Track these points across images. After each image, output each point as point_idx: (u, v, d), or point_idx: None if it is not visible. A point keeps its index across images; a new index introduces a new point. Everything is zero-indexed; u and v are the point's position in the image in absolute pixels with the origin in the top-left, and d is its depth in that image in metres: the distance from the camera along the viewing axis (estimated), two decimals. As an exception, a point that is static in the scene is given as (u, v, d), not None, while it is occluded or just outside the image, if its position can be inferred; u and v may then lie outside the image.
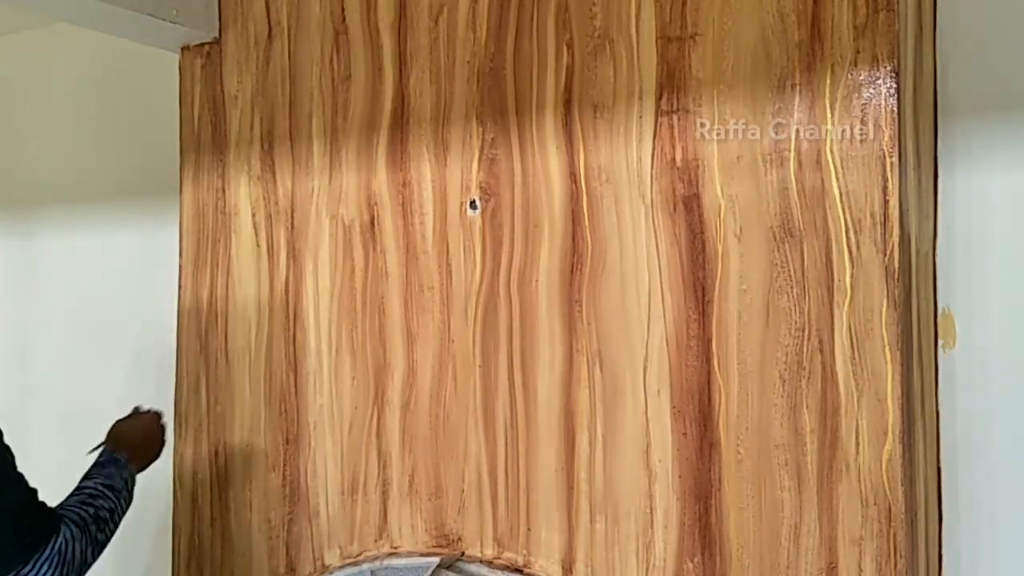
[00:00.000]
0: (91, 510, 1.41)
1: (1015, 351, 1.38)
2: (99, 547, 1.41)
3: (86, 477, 1.50)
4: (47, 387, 2.53)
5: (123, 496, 1.50)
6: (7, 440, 1.37)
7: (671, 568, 1.42)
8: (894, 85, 1.27)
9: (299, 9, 1.79)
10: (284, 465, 1.79)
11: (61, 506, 1.41)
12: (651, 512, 1.43)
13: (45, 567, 1.30)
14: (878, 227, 1.28)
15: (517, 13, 1.56)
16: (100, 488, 1.47)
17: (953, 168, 1.42)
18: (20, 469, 1.37)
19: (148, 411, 1.72)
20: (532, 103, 1.55)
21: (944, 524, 1.42)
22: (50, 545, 1.31)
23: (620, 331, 1.46)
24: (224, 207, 1.88)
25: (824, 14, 1.31)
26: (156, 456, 1.68)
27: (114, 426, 1.65)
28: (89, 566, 1.39)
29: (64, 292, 2.50)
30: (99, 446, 1.59)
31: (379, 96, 1.70)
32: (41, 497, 1.37)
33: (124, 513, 1.50)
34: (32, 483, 1.37)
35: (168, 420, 1.93)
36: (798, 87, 1.33)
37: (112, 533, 1.45)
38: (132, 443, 1.60)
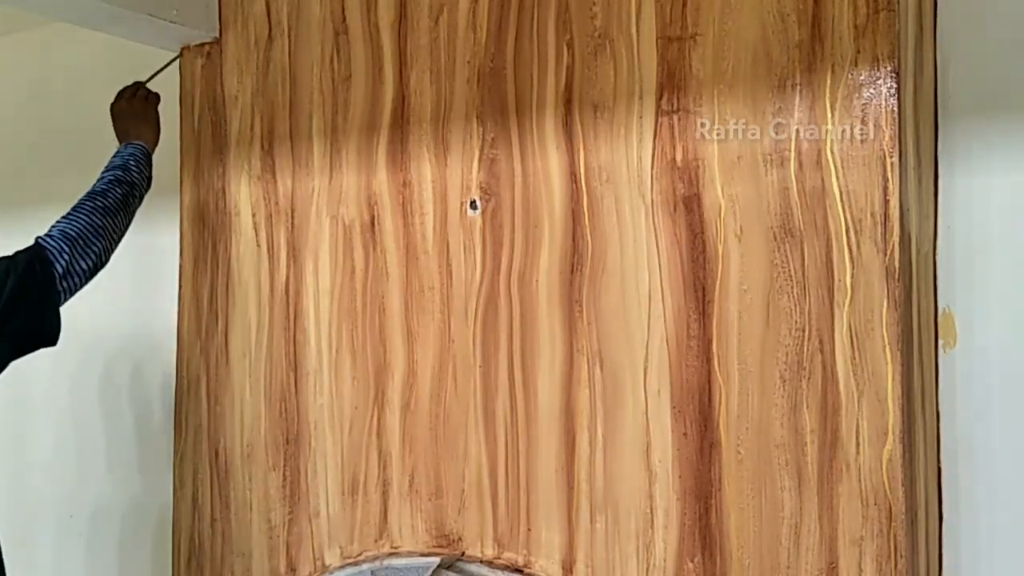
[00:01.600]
0: (86, 196, 1.59)
1: (1015, 351, 1.38)
2: (108, 206, 1.57)
3: None
4: (46, 387, 2.52)
5: (128, 165, 1.66)
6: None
7: (671, 568, 1.42)
8: (894, 85, 1.27)
9: (299, 9, 1.79)
10: (284, 465, 1.79)
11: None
12: (651, 512, 1.43)
13: (54, 243, 1.47)
14: (878, 227, 1.28)
15: (517, 13, 1.56)
16: (98, 183, 1.64)
17: (953, 168, 1.42)
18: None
19: (134, 91, 1.83)
20: (532, 103, 1.55)
21: (944, 524, 1.42)
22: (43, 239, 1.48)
23: (620, 331, 1.46)
24: (224, 207, 1.88)
25: (824, 14, 1.32)
26: (156, 128, 1.81)
27: (112, 118, 1.80)
28: (110, 223, 1.56)
29: (64, 292, 2.49)
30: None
31: (379, 96, 1.70)
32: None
33: (139, 175, 1.66)
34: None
35: (168, 421, 1.94)
36: (798, 87, 1.33)
37: (127, 192, 1.62)
38: (127, 128, 1.76)
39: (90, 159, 2.44)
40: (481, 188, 1.59)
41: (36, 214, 2.55)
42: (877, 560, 1.27)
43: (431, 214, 1.64)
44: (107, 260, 1.58)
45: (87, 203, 1.59)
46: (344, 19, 1.74)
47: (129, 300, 2.34)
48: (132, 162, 1.68)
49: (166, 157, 2.03)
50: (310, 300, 1.76)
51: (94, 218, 1.56)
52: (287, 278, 1.79)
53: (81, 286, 1.54)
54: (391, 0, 1.69)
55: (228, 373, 1.86)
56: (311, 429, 1.76)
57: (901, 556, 1.26)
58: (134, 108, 1.80)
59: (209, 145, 1.90)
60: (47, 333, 1.50)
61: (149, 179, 1.71)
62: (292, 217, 1.79)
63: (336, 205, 1.74)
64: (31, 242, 1.49)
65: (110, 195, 1.61)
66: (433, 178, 1.64)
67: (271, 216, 1.81)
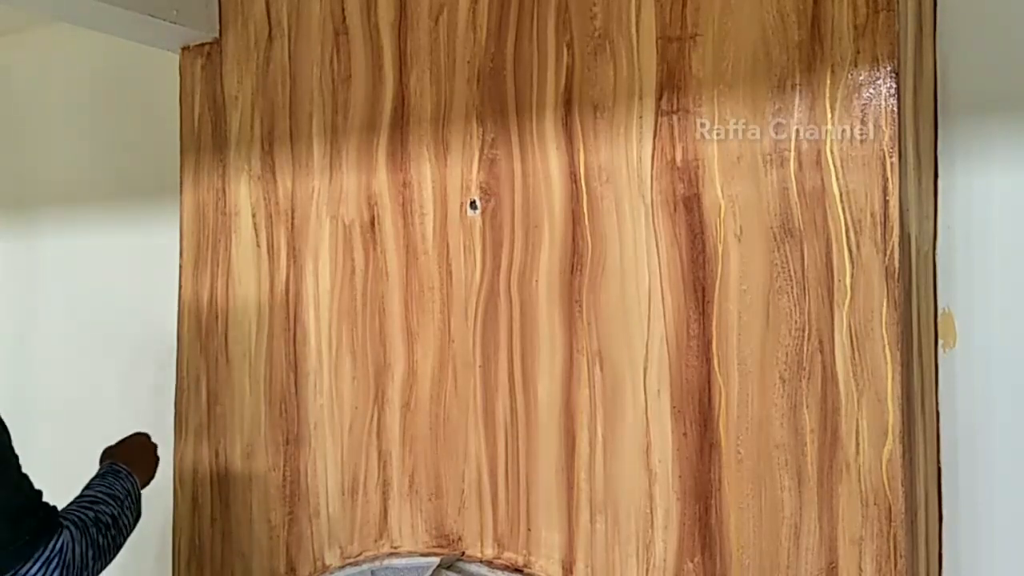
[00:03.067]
0: (91, 513, 1.40)
1: (1015, 351, 1.38)
2: (100, 551, 1.39)
3: (87, 487, 1.48)
4: (47, 387, 2.53)
5: (127, 505, 1.48)
6: (16, 441, 1.37)
7: (671, 568, 1.42)
8: (894, 85, 1.27)
9: (299, 9, 1.79)
10: (284, 465, 1.79)
11: (62, 510, 1.39)
12: (651, 512, 1.43)
13: (43, 568, 1.29)
14: (878, 227, 1.28)
15: (517, 13, 1.56)
16: (101, 495, 1.45)
17: (953, 168, 1.42)
18: (25, 470, 1.37)
19: (137, 433, 1.70)
20: (532, 103, 1.55)
21: (944, 524, 1.42)
22: (50, 546, 1.30)
23: (620, 331, 1.47)
24: (224, 207, 1.88)
25: (824, 14, 1.32)
26: (153, 469, 1.66)
27: (106, 449, 1.63)
28: (91, 570, 1.37)
29: (64, 292, 2.50)
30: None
31: (379, 96, 1.70)
32: (42, 487, 1.36)
33: (131, 524, 1.48)
34: (31, 475, 1.36)
35: (168, 420, 1.94)
36: (798, 87, 1.33)
37: (116, 541, 1.43)
38: (128, 456, 1.59)
39: (90, 160, 2.45)
40: (481, 188, 1.59)
41: (36, 215, 2.56)
42: (877, 560, 1.27)
43: (431, 214, 1.64)
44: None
45: (94, 526, 1.40)
46: (344, 19, 1.74)
47: (129, 300, 2.35)
48: (135, 496, 1.51)
49: (166, 157, 2.03)
50: (310, 300, 1.76)
51: (100, 539, 1.39)
52: (287, 278, 1.79)
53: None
54: (391, 0, 1.69)
55: (228, 373, 1.86)
56: (311, 429, 1.76)
57: (901, 556, 1.26)
58: (142, 444, 1.67)
59: (209, 145, 1.90)
60: None
61: (138, 517, 1.54)
62: (292, 217, 1.79)
63: (336, 205, 1.74)
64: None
65: (119, 523, 1.44)
66: (433, 178, 1.64)
67: (271, 216, 1.82)
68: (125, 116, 2.36)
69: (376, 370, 1.69)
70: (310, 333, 1.76)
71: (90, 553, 1.36)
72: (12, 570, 1.27)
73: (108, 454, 1.62)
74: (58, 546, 1.31)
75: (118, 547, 1.44)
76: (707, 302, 1.39)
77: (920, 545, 1.33)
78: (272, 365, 1.81)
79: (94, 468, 1.59)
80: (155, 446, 1.69)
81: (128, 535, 1.47)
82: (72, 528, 1.35)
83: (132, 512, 1.49)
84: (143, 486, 1.59)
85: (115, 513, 1.44)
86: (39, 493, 1.36)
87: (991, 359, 1.40)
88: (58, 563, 1.30)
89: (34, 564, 1.29)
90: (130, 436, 1.69)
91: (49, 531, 1.32)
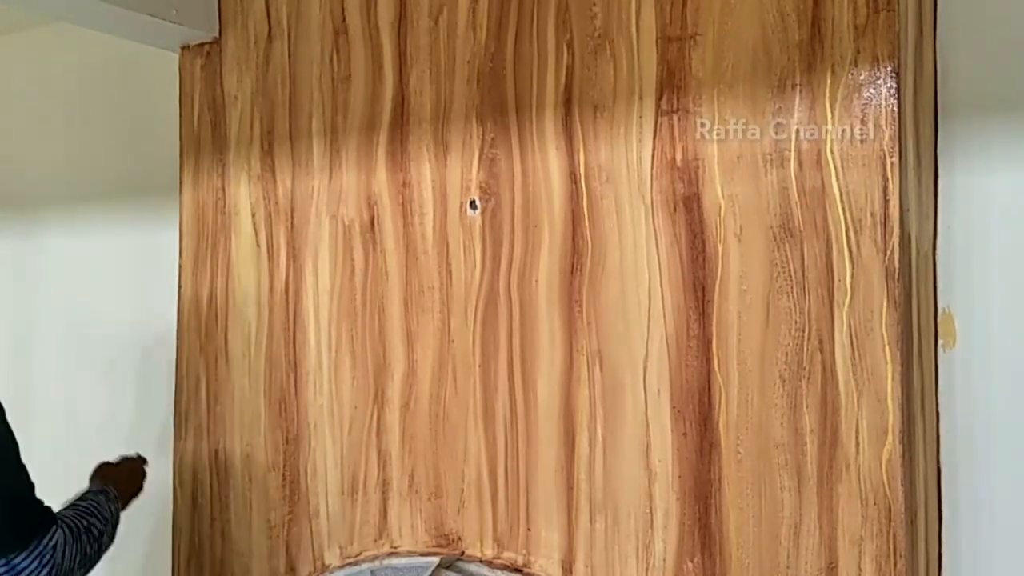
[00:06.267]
0: (84, 523, 1.40)
1: (1015, 351, 1.38)
2: (84, 560, 1.38)
3: (80, 498, 1.48)
4: (47, 387, 2.53)
5: (109, 525, 1.47)
6: (17, 432, 1.38)
7: (671, 568, 1.42)
8: (894, 85, 1.27)
9: (299, 9, 1.79)
10: (284, 465, 1.79)
11: (57, 512, 1.39)
12: (651, 512, 1.43)
13: (36, 562, 1.29)
14: (878, 227, 1.28)
15: (517, 13, 1.56)
16: (94, 509, 1.45)
17: (953, 168, 1.42)
18: (24, 462, 1.37)
19: (134, 456, 1.72)
20: (532, 103, 1.55)
21: (944, 524, 1.42)
22: (44, 541, 1.30)
23: (620, 331, 1.46)
24: (224, 207, 1.88)
25: (824, 14, 1.31)
26: (136, 494, 1.67)
27: (100, 466, 1.64)
28: None
29: (64, 292, 2.50)
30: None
31: (379, 96, 1.70)
32: (41, 486, 1.37)
33: (107, 544, 1.47)
34: (31, 475, 1.37)
35: (167, 420, 1.94)
36: (798, 87, 1.33)
37: (96, 554, 1.42)
38: (117, 479, 1.61)
39: (90, 160, 2.45)
40: (481, 188, 1.59)
41: (35, 215, 2.56)
42: (877, 560, 1.27)
43: (431, 214, 1.64)
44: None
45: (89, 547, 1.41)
46: (344, 19, 1.74)
47: (129, 300, 2.35)
48: (115, 519, 1.52)
49: (166, 157, 2.03)
50: (310, 300, 1.76)
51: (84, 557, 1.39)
52: (287, 278, 1.79)
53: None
54: (391, 0, 1.69)
55: (228, 373, 1.86)
56: (311, 429, 1.76)
57: (901, 556, 1.26)
58: (134, 469, 1.69)
59: (209, 145, 1.90)
60: None
61: (111, 543, 1.53)
62: (292, 217, 1.79)
63: (336, 205, 1.74)
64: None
65: (102, 539, 1.45)
66: (433, 178, 1.64)
67: (271, 216, 1.82)
68: (125, 116, 2.36)
69: (376, 370, 1.69)
70: (310, 333, 1.76)
71: (77, 559, 1.36)
72: (5, 558, 1.27)
73: (101, 474, 1.62)
74: (52, 543, 1.31)
75: (93, 564, 1.43)
76: (707, 302, 1.39)
77: (920, 545, 1.33)
78: (272, 365, 1.81)
79: (92, 469, 1.60)
80: (144, 474, 1.70)
81: (100, 557, 1.45)
82: (67, 530, 1.34)
83: (110, 537, 1.48)
84: (125, 506, 1.60)
85: (101, 529, 1.44)
86: (33, 486, 1.35)
87: (991, 359, 1.40)
88: (50, 560, 1.30)
89: (27, 556, 1.28)
90: (126, 460, 1.69)
91: (45, 525, 1.32)
